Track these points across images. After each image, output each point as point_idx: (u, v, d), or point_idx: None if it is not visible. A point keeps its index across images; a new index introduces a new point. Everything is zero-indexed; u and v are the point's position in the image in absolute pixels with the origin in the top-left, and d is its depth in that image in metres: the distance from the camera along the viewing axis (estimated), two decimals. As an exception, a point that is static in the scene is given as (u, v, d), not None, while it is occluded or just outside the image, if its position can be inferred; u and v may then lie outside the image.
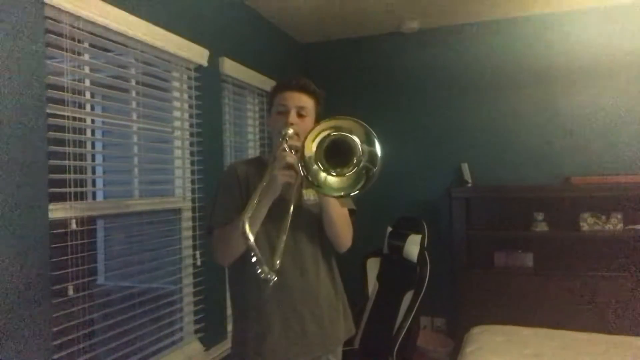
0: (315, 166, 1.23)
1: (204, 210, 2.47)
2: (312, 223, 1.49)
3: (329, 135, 1.23)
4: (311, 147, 1.23)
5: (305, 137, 1.24)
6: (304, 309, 1.45)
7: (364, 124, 1.23)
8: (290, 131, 1.37)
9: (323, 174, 1.24)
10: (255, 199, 1.26)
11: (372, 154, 1.22)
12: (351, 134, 1.23)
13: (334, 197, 1.31)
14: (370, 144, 1.22)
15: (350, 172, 1.24)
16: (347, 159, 1.24)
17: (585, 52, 3.26)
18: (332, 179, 1.25)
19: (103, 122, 2.12)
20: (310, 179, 1.24)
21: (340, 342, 1.59)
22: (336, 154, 1.24)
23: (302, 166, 1.23)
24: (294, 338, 1.43)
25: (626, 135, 3.18)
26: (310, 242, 1.49)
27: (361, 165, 1.24)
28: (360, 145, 1.23)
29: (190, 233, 2.46)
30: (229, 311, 2.76)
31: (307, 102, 1.48)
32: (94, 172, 2.24)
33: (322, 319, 1.48)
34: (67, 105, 1.73)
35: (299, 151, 1.25)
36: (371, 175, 1.23)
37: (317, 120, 1.49)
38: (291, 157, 1.29)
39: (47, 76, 1.63)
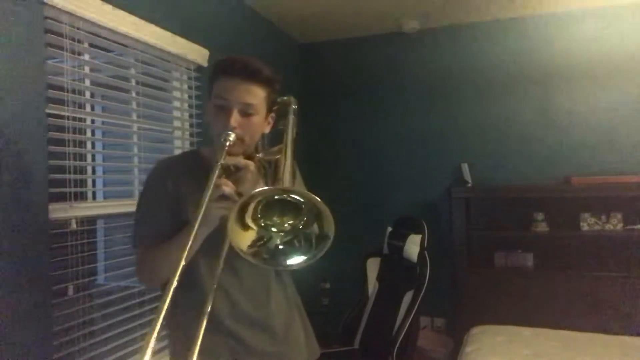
0: (262, 231, 1.00)
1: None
2: None
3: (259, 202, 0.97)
4: (244, 229, 0.97)
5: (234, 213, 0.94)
6: (252, 344, 1.23)
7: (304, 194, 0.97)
8: (232, 137, 1.09)
9: (267, 231, 1.00)
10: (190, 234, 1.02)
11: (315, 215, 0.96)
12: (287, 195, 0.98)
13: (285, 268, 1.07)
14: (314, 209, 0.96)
15: (286, 231, 1.01)
16: (284, 213, 1.01)
17: (585, 52, 3.26)
18: (273, 232, 1.01)
19: (103, 122, 2.12)
20: (259, 244, 1.00)
21: None
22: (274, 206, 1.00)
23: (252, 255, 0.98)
24: None
25: (626, 135, 3.18)
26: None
27: (299, 231, 1.00)
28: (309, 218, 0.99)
29: (190, 233, 2.45)
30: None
31: (255, 96, 1.14)
32: (94, 172, 2.24)
33: (272, 353, 1.26)
34: (67, 105, 1.73)
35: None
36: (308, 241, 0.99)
37: (269, 111, 1.21)
38: (227, 187, 1.03)
39: (47, 76, 1.63)
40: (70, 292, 1.74)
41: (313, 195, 0.94)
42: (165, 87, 2.39)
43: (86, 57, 1.87)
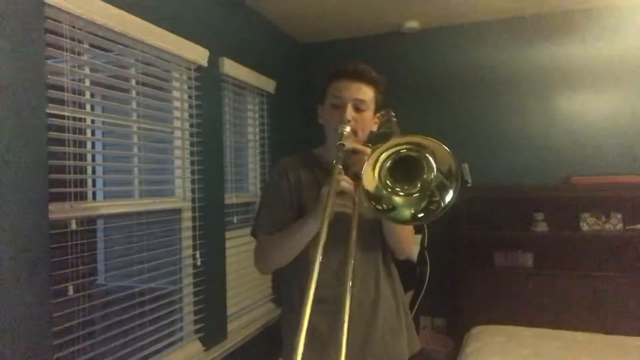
0: (384, 191, 1.09)
1: (203, 209, 2.47)
2: (370, 229, 1.32)
3: (396, 152, 1.09)
4: (373, 175, 1.07)
5: (367, 164, 1.07)
6: (358, 336, 1.28)
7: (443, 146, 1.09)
8: (347, 129, 1.23)
9: (393, 197, 1.09)
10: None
11: (448, 176, 1.07)
12: (425, 154, 1.10)
13: (403, 223, 1.17)
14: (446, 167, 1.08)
15: (417, 192, 1.09)
16: (412, 176, 1.10)
17: (585, 51, 3.26)
18: (399, 200, 1.09)
19: (103, 122, 2.12)
20: (380, 207, 1.08)
21: None
22: (400, 169, 1.10)
23: (369, 198, 1.08)
24: None
25: (626, 135, 3.18)
26: (367, 251, 1.32)
27: (430, 185, 1.08)
28: (433, 164, 1.09)
29: (190, 233, 2.46)
30: (229, 311, 2.76)
31: (366, 93, 1.30)
32: (94, 172, 2.24)
33: (376, 344, 1.31)
34: (67, 105, 1.73)
35: (359, 177, 1.08)
36: (435, 202, 1.06)
37: (377, 111, 1.37)
38: (346, 182, 1.15)
39: (47, 76, 1.63)
40: (70, 292, 1.73)
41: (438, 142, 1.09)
42: (165, 87, 2.39)
43: (86, 57, 1.88)
